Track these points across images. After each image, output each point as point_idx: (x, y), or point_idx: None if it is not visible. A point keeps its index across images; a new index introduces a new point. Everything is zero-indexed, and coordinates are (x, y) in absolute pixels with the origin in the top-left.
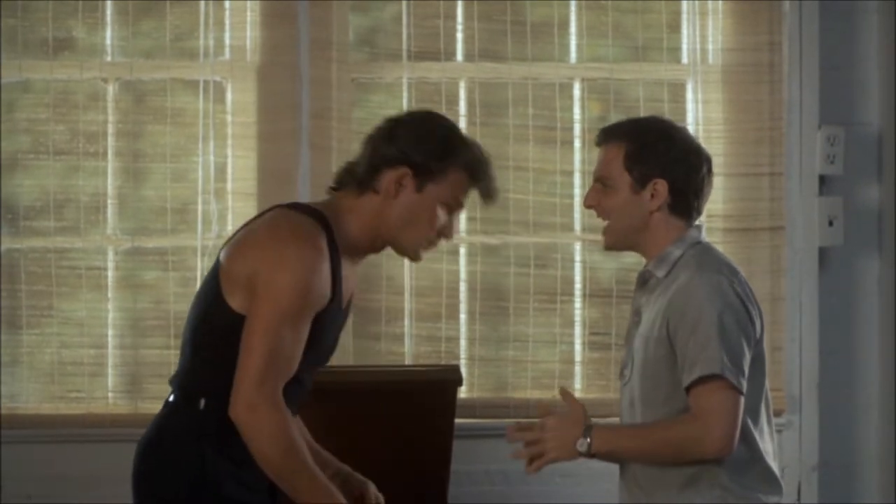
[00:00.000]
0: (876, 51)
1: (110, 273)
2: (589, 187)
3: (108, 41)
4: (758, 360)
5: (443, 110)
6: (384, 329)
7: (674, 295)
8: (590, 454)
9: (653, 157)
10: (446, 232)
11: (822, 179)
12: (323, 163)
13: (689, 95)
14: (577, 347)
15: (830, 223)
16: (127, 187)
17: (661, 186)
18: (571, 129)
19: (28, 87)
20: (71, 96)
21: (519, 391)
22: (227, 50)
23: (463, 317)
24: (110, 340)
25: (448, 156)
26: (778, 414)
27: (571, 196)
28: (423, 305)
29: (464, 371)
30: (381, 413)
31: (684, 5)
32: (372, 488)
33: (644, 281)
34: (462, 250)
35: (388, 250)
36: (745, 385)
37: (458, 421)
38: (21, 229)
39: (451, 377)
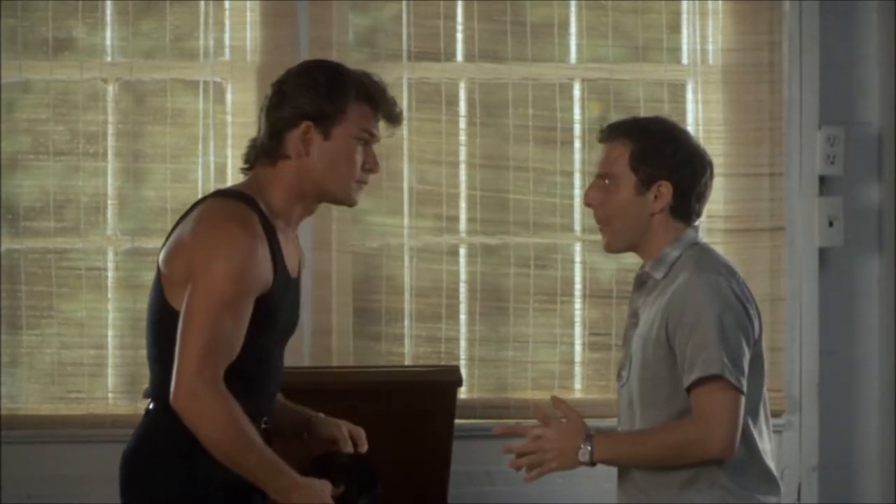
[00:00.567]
0: (876, 50)
1: (110, 273)
2: (589, 185)
3: (108, 41)
4: (757, 361)
5: (443, 110)
6: (384, 329)
7: (672, 296)
8: (591, 462)
9: (659, 159)
10: (370, 165)
11: (823, 180)
12: None
13: (690, 96)
14: (577, 348)
15: (830, 223)
16: (127, 188)
17: (666, 188)
18: (571, 129)
19: (28, 87)
20: (71, 96)
21: (519, 392)
22: (227, 50)
23: (463, 317)
24: (110, 341)
25: (339, 94)
26: (778, 414)
27: (571, 196)
28: (423, 306)
29: (464, 372)
30: (381, 413)
31: (684, 5)
32: (345, 428)
33: (642, 282)
34: (462, 251)
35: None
36: (745, 385)
37: (458, 421)
38: (21, 230)
39: (451, 378)
